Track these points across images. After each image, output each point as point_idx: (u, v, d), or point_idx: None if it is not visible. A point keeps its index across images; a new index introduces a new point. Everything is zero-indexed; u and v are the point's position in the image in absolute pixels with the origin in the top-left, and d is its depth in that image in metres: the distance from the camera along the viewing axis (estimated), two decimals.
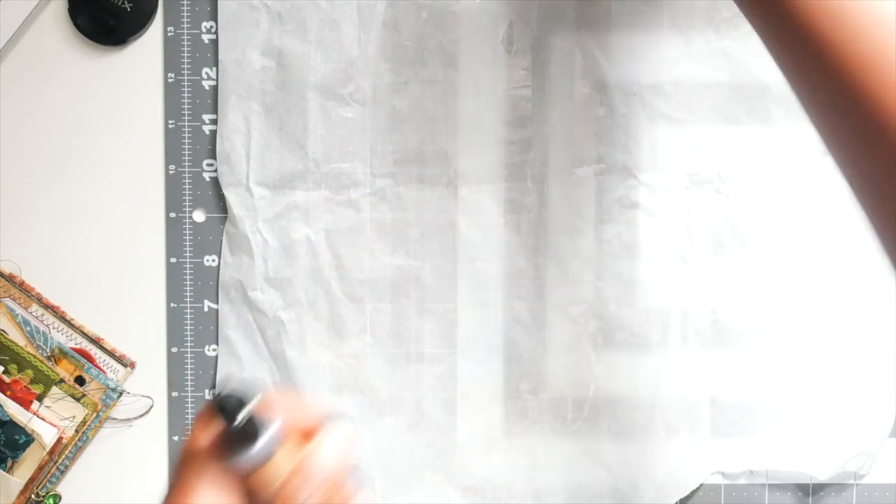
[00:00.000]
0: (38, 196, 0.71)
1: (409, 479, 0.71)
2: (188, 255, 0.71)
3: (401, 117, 0.70)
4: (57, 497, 0.70)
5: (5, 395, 0.69)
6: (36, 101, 0.70)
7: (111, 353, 0.71)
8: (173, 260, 0.71)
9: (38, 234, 0.71)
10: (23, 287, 0.70)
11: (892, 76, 0.42)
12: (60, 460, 0.70)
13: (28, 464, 0.69)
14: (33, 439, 0.69)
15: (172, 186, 0.71)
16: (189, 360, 0.72)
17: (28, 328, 0.70)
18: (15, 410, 0.69)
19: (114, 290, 0.71)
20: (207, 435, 0.48)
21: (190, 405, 0.72)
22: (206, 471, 0.47)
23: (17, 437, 0.69)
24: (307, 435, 0.49)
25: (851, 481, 0.71)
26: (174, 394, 0.72)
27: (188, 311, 0.71)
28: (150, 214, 0.71)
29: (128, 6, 0.69)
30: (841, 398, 0.71)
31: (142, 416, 0.71)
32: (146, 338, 0.72)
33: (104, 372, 0.70)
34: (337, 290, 0.70)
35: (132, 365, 0.71)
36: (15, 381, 0.70)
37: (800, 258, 0.71)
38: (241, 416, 0.47)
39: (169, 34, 0.70)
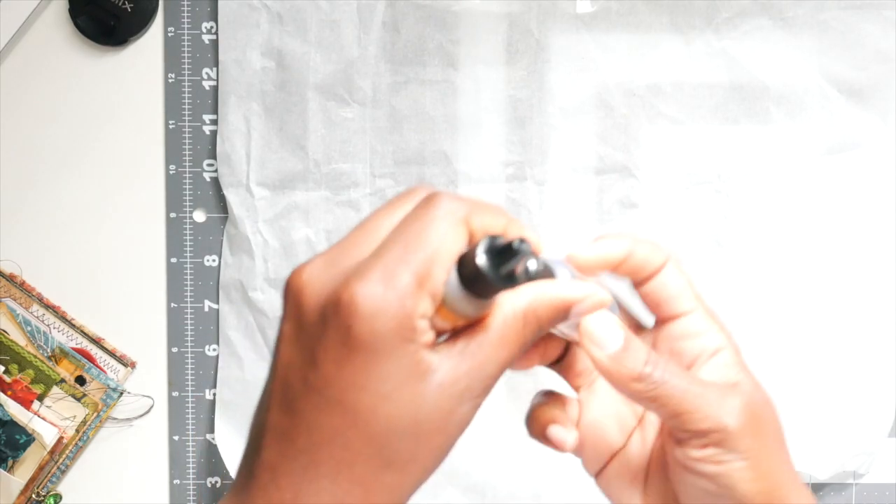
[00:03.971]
0: (39, 196, 0.71)
1: None
2: (188, 255, 0.71)
3: (401, 117, 0.70)
4: (57, 497, 0.71)
5: (6, 394, 0.69)
6: (36, 101, 0.70)
7: (112, 353, 0.71)
8: (174, 260, 0.71)
9: (39, 234, 0.71)
10: (23, 287, 0.70)
11: None
12: (61, 460, 0.70)
13: (29, 463, 0.70)
14: (34, 439, 0.69)
15: (173, 186, 0.71)
16: (189, 360, 0.72)
17: (29, 328, 0.70)
18: (16, 410, 0.69)
19: (114, 290, 0.71)
20: None
21: (190, 405, 0.72)
22: None
23: (17, 436, 0.69)
24: None
25: (851, 481, 0.71)
26: (174, 394, 0.72)
27: (188, 311, 0.72)
28: (151, 214, 0.71)
29: (128, 7, 0.69)
30: (841, 398, 0.71)
31: (142, 415, 0.72)
32: (146, 338, 0.72)
33: (105, 372, 0.71)
34: None
35: (132, 365, 0.71)
36: (16, 381, 0.70)
37: (799, 258, 0.71)
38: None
39: (169, 34, 0.70)
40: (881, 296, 0.71)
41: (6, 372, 0.70)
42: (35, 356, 0.70)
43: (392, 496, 0.39)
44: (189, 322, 0.72)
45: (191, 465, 0.72)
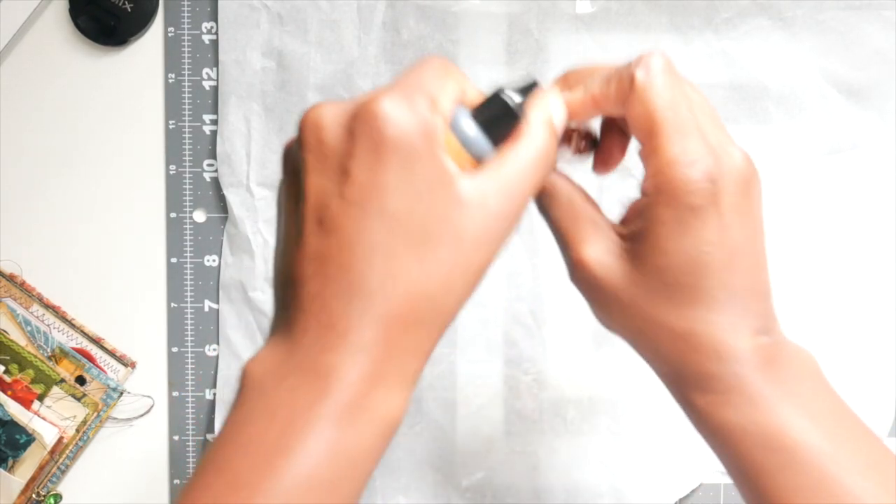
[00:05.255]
0: (39, 196, 0.71)
1: (409, 479, 0.71)
2: (188, 255, 0.71)
3: None
4: (58, 496, 0.71)
5: (6, 394, 0.69)
6: (37, 102, 0.70)
7: (112, 353, 0.71)
8: (174, 260, 0.71)
9: (39, 234, 0.71)
10: (24, 287, 0.71)
11: None
12: (61, 460, 0.70)
13: (29, 463, 0.70)
14: (34, 439, 0.69)
15: (173, 186, 0.71)
16: (189, 360, 0.72)
17: (29, 328, 0.70)
18: (16, 410, 0.69)
19: (114, 290, 0.71)
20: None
21: (190, 405, 0.72)
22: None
23: (17, 436, 0.69)
24: None
25: None
26: (175, 394, 0.72)
27: (188, 311, 0.72)
28: (151, 214, 0.71)
29: (128, 7, 0.69)
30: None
31: (142, 415, 0.72)
32: (147, 338, 0.72)
33: (105, 372, 0.71)
34: None
35: (133, 365, 0.71)
36: (16, 381, 0.70)
37: (799, 258, 0.71)
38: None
39: (169, 35, 0.70)
40: (881, 296, 0.71)
41: (6, 372, 0.70)
42: (35, 356, 0.70)
43: (437, 313, 0.40)
44: (189, 322, 0.72)
45: (191, 465, 0.72)
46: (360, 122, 0.39)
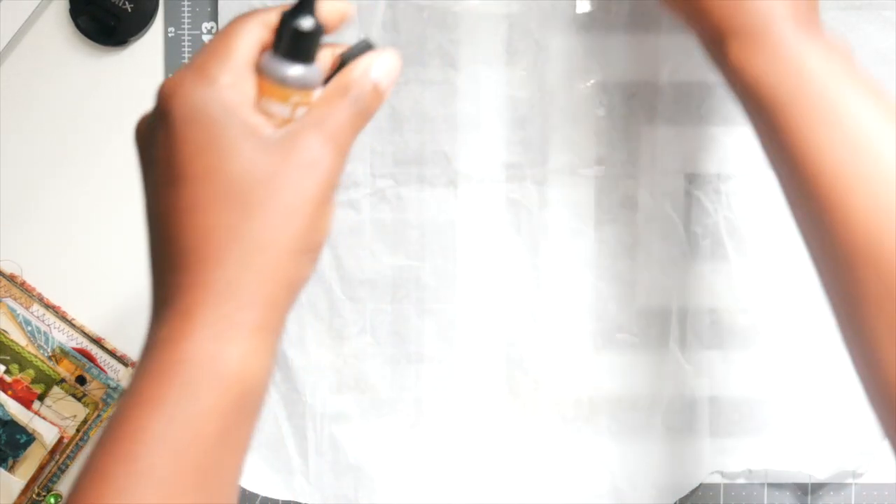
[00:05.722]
0: (39, 196, 0.71)
1: (409, 478, 0.71)
2: None
3: (401, 117, 0.70)
4: (58, 496, 0.71)
5: (6, 394, 0.69)
6: (36, 102, 0.70)
7: (112, 353, 0.71)
8: None
9: (39, 234, 0.71)
10: (24, 287, 0.71)
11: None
12: (62, 459, 0.70)
13: (29, 463, 0.70)
14: (34, 439, 0.69)
15: None
16: None
17: (29, 328, 0.70)
18: (16, 410, 0.69)
19: (114, 290, 0.71)
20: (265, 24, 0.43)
21: None
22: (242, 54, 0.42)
23: (18, 436, 0.69)
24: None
25: (850, 480, 0.72)
26: None
27: None
28: None
29: (129, 7, 0.69)
30: (840, 397, 0.71)
31: None
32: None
33: (105, 371, 0.71)
34: (337, 290, 0.71)
35: (133, 364, 0.71)
36: (16, 381, 0.70)
37: (800, 258, 0.71)
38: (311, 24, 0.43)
39: (170, 35, 0.70)
40: None
41: (7, 372, 0.70)
42: (35, 356, 0.70)
43: (256, 252, 0.41)
44: None
45: None
46: (153, 112, 0.42)
